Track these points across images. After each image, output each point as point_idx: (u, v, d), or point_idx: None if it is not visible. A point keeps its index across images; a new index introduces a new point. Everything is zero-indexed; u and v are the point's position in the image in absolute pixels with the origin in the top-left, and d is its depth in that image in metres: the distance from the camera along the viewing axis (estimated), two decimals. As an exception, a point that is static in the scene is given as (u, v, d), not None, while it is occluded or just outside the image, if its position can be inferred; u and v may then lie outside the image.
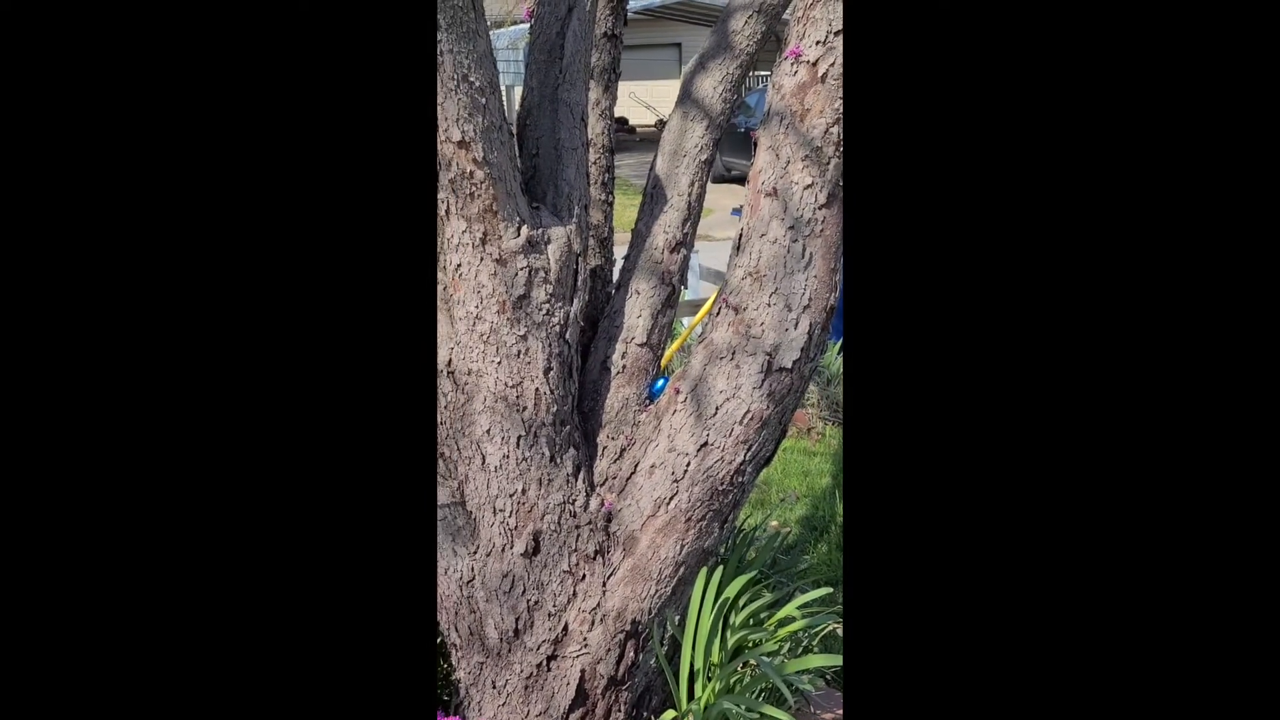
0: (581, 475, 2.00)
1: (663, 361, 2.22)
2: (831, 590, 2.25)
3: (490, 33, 1.81)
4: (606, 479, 2.05)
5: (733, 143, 12.38)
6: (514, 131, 2.01)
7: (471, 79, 1.70)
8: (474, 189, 1.79)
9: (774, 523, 3.38)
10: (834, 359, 4.89)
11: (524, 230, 1.86)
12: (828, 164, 1.80)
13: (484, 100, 1.73)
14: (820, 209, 1.82)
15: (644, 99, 19.07)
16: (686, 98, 2.17)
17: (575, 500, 1.98)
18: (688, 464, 1.93)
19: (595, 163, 2.25)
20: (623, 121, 18.13)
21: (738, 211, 2.18)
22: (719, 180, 12.92)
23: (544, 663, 1.99)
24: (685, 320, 4.55)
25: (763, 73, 16.19)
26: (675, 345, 2.24)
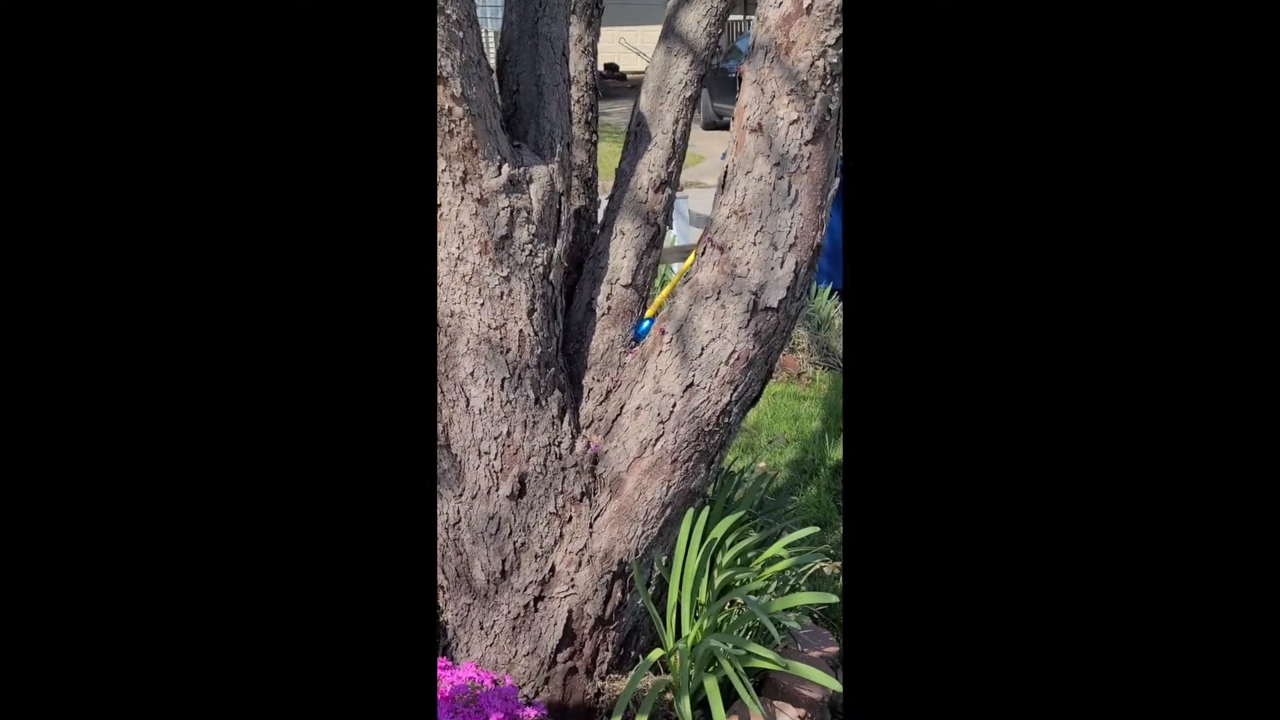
0: (567, 417, 1.99)
1: (651, 310, 2.20)
2: (819, 529, 2.26)
3: (468, -34, 1.77)
4: (592, 421, 2.04)
5: (722, 88, 12.25)
6: (493, 68, 1.98)
7: (448, 11, 1.65)
8: (452, 126, 1.75)
9: (762, 464, 3.38)
10: (824, 304, 4.88)
11: (505, 169, 1.83)
12: (814, 98, 1.77)
13: (461, 34, 1.69)
14: (806, 145, 1.79)
15: (633, 44, 18.84)
16: (670, 33, 2.13)
17: (561, 442, 1.97)
18: (674, 405, 1.92)
19: (578, 100, 2.21)
20: (613, 68, 17.91)
21: (726, 155, 2.15)
22: (710, 127, 12.82)
23: (531, 604, 1.99)
24: (675, 266, 4.52)
25: (753, 16, 15.99)
26: (665, 291, 2.22)
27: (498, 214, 1.84)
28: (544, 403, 1.95)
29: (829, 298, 4.95)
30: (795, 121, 1.78)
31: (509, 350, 1.90)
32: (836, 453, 3.70)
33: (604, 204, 2.22)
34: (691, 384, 1.90)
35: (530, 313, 1.91)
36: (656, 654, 1.98)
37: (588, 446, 1.99)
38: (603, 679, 2.07)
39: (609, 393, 2.05)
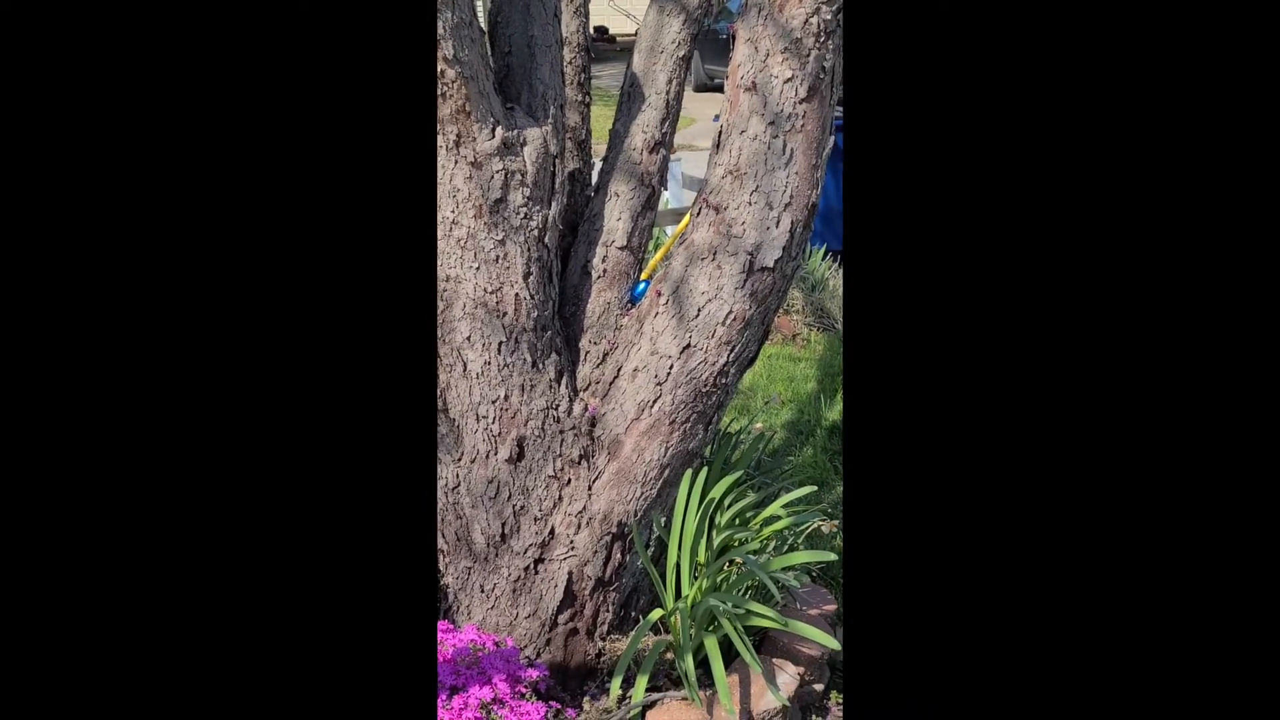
0: (564, 380, 1.99)
1: (646, 272, 2.19)
2: (816, 489, 2.27)
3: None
4: (590, 384, 2.04)
5: (714, 50, 12.14)
6: (485, 30, 1.96)
7: (438, -28, 1.64)
8: (445, 89, 1.74)
9: (758, 425, 3.39)
10: (819, 265, 4.87)
11: (499, 131, 1.82)
12: (808, 56, 1.75)
13: (452, -5, 1.67)
14: (801, 103, 1.78)
15: (623, 7, 18.63)
16: (662, -8, 2.11)
17: (559, 405, 1.97)
18: (670, 366, 1.92)
19: (571, 62, 2.19)
20: (602, 30, 17.74)
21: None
22: (702, 89, 12.72)
23: (531, 566, 2.00)
24: (669, 229, 4.51)
25: (744, -23, 15.78)
26: (660, 254, 2.21)
27: (492, 177, 1.83)
28: (541, 366, 1.95)
29: (823, 259, 4.94)
30: (790, 80, 1.77)
31: (505, 314, 1.89)
32: (832, 413, 3.71)
33: (598, 166, 2.21)
34: (688, 345, 1.90)
35: (526, 276, 1.90)
36: (657, 614, 2.00)
37: (585, 409, 1.99)
38: (603, 639, 2.08)
39: (606, 355, 2.05)
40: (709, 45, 12.18)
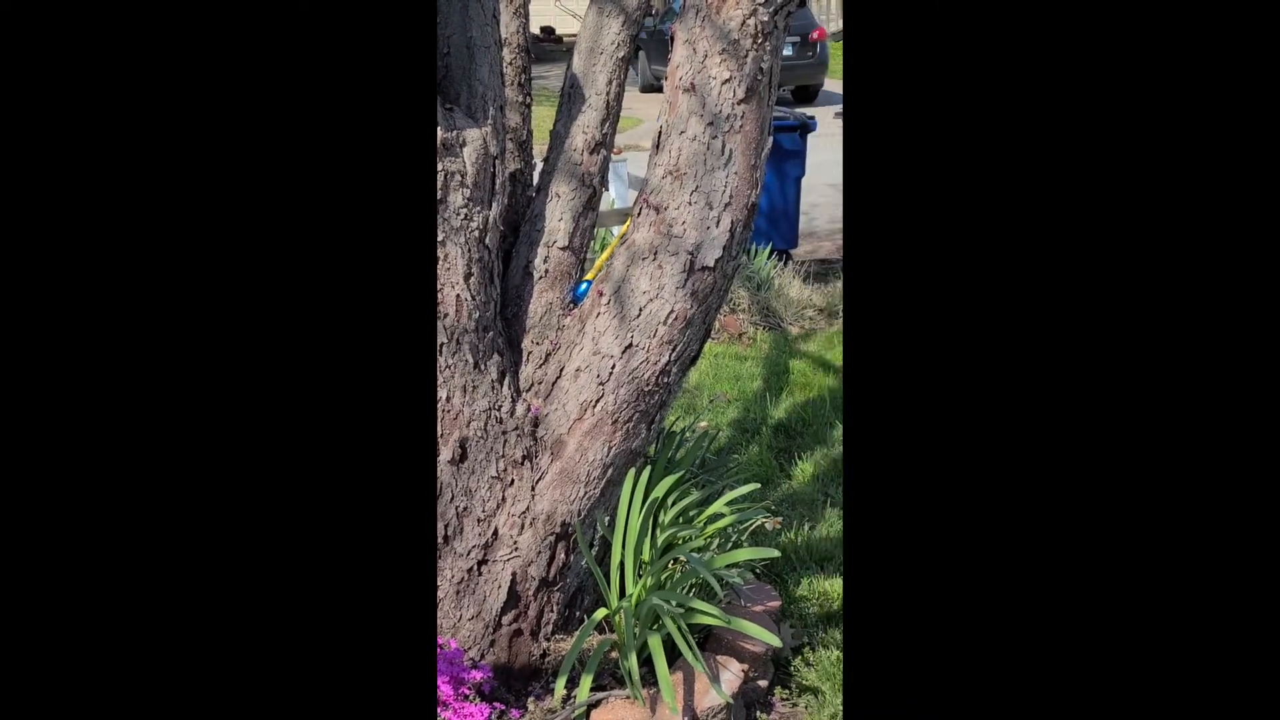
0: (507, 381, 1.99)
1: (590, 273, 2.20)
2: (760, 485, 2.29)
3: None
4: (532, 384, 2.04)
5: (659, 51, 12.16)
6: (424, 29, 1.95)
7: (374, -29, 1.63)
8: (383, 89, 1.73)
9: (703, 424, 3.41)
10: (764, 264, 4.90)
11: (438, 133, 1.81)
12: (746, 57, 1.77)
13: (389, -6, 1.66)
14: (739, 104, 1.80)
15: (570, 8, 18.60)
16: (602, -7, 2.11)
17: (501, 406, 1.97)
18: (613, 366, 1.92)
19: (510, 62, 2.19)
20: (549, 31, 17.71)
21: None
22: (647, 90, 12.74)
23: (475, 567, 2.00)
24: (614, 229, 4.51)
25: (690, -22, 15.81)
26: (605, 255, 2.22)
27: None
28: (483, 367, 1.94)
29: (768, 258, 4.98)
30: (728, 81, 1.79)
31: (446, 315, 1.89)
32: (778, 412, 3.74)
33: (539, 167, 2.21)
34: (630, 345, 1.91)
35: (467, 277, 1.90)
36: (601, 613, 2.00)
37: (528, 409, 1.99)
38: (548, 640, 2.08)
39: (548, 355, 2.05)
40: (655, 46, 12.20)
